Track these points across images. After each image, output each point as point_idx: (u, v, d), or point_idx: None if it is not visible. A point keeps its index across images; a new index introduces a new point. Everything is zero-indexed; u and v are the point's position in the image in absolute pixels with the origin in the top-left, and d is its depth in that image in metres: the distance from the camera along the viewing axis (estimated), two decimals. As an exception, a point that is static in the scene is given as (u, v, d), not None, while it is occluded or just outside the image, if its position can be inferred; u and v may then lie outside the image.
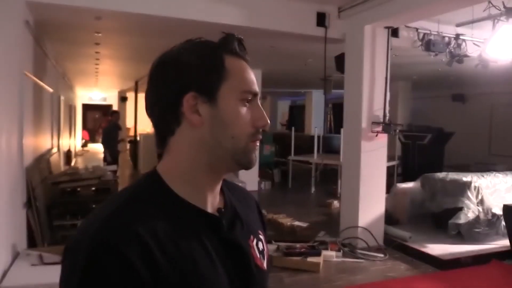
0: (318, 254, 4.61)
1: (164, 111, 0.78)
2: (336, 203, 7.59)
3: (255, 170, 9.48)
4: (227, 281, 0.76)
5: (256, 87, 0.81)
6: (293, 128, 10.55)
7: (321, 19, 5.30)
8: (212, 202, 0.82)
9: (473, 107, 11.82)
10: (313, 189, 9.19)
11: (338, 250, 4.98)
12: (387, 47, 5.25)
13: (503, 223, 5.24)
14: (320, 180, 9.88)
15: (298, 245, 4.82)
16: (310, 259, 4.52)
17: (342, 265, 4.67)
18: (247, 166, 0.80)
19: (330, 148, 10.35)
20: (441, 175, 5.86)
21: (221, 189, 0.87)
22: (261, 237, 0.90)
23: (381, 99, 5.26)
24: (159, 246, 0.69)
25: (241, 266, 0.80)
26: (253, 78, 0.81)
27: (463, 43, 5.77)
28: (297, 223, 6.03)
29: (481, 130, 11.34)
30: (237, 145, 0.77)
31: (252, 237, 0.86)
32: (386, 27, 5.19)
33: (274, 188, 9.92)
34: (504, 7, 4.30)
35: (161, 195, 0.76)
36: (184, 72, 0.77)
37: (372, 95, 5.24)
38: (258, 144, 0.80)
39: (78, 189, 5.11)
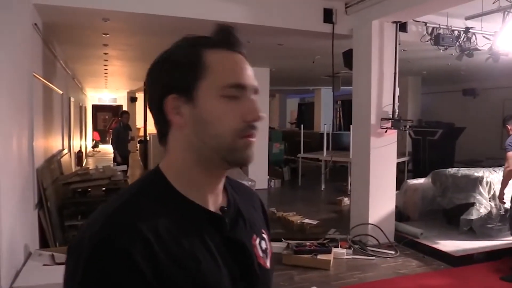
0: (329, 252, 4.60)
1: (155, 113, 0.78)
2: (346, 200, 7.56)
3: (264, 168, 9.50)
4: (230, 280, 0.76)
5: (247, 79, 0.76)
6: (302, 126, 10.52)
7: (328, 15, 5.27)
8: (214, 200, 0.81)
9: (484, 101, 11.67)
10: (323, 187, 9.16)
11: (349, 248, 4.96)
12: (396, 42, 5.21)
13: (516, 218, 5.18)
14: (330, 177, 9.85)
15: (308, 243, 4.80)
16: (320, 256, 4.50)
17: (353, 263, 4.65)
18: (240, 163, 0.77)
19: (339, 145, 10.30)
20: (452, 170, 5.79)
21: (225, 187, 0.86)
22: (265, 236, 0.89)
23: (390, 94, 5.22)
24: (162, 244, 0.68)
25: (244, 265, 0.79)
26: (243, 69, 0.77)
27: (473, 37, 5.68)
28: (307, 220, 6.02)
29: (492, 125, 11.17)
30: (222, 143, 0.74)
31: (255, 236, 0.85)
32: (394, 22, 5.15)
33: (284, 186, 9.91)
34: (515, -1, 4.24)
35: (164, 192, 0.76)
36: (166, 73, 0.76)
37: (381, 91, 5.20)
38: (252, 139, 0.76)
39: (89, 189, 5.16)
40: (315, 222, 5.96)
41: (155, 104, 0.77)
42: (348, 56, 5.64)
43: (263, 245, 0.87)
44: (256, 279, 0.81)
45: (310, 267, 4.40)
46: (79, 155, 11.02)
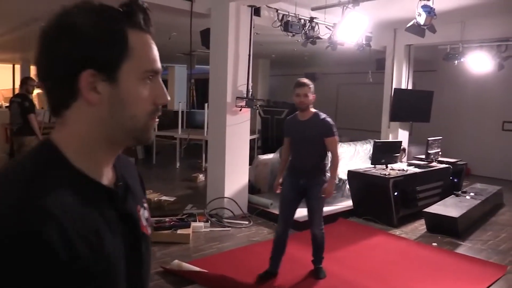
0: (188, 226, 4.73)
1: (57, 85, 0.74)
2: (201, 176, 7.77)
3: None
4: (123, 251, 0.78)
5: (159, 64, 0.79)
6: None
7: (187, -8, 5.26)
8: (107, 175, 0.81)
9: (322, 85, 13.03)
10: (178, 164, 9.22)
11: (206, 221, 5.16)
12: (250, 25, 5.48)
13: (347, 186, 6.04)
14: (184, 155, 9.95)
15: (167, 219, 4.85)
16: (180, 231, 4.61)
17: (211, 235, 4.87)
18: (146, 142, 0.82)
19: (193, 123, 10.44)
20: (297, 146, 6.40)
21: None
22: (145, 205, 0.93)
23: (245, 75, 5.50)
24: (72, 224, 0.67)
25: (133, 236, 0.83)
26: (157, 54, 0.79)
27: (317, 26, 6.32)
28: (164, 197, 6.04)
29: (329, 106, 12.62)
30: (137, 124, 0.77)
31: (139, 206, 0.89)
32: (249, 6, 5.40)
33: (138, 165, 9.65)
34: (351, -4, 4.85)
35: (62, 168, 0.73)
36: (82, 45, 0.71)
37: (236, 71, 5.44)
38: (157, 120, 0.81)
39: None
40: (172, 199, 6.02)
41: (60, 75, 0.72)
42: (205, 35, 5.73)
43: (145, 214, 0.91)
44: (142, 247, 0.85)
45: (170, 242, 4.47)
46: None
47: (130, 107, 0.75)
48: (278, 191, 3.85)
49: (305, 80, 3.67)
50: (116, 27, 0.73)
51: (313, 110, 3.69)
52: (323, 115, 3.64)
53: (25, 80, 6.86)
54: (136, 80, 0.75)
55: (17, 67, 15.24)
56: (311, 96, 3.62)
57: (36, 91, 15.05)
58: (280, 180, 3.86)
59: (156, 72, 0.78)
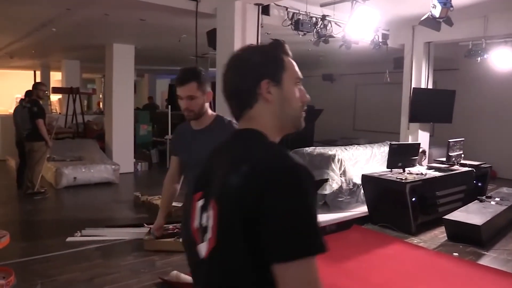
0: (192, 234, 4.53)
1: (246, 92, 1.10)
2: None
3: (130, 150, 9.07)
4: None
5: (301, 74, 1.16)
6: (169, 107, 10.25)
7: (191, -9, 5.10)
8: None
9: (340, 86, 12.75)
10: (192, 168, 9.06)
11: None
12: (258, 24, 5.28)
13: (362, 191, 5.75)
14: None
15: (171, 226, 4.68)
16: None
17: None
18: (300, 128, 1.16)
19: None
20: (309, 149, 6.16)
21: None
22: None
23: (253, 76, 5.29)
24: None
25: None
26: (297, 68, 1.16)
27: (329, 24, 6.06)
28: (173, 203, 5.86)
29: (346, 108, 12.31)
30: (296, 114, 1.13)
31: None
32: (256, 4, 5.20)
33: (152, 169, 9.60)
34: (361, -11, 4.59)
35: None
36: (260, 66, 1.10)
37: (244, 72, 5.23)
38: (304, 113, 1.16)
39: None
40: (180, 204, 5.84)
41: (246, 85, 1.10)
42: (212, 36, 5.56)
43: None
44: None
45: (173, 251, 4.29)
46: None
47: (291, 102, 1.12)
48: (157, 234, 2.71)
49: (189, 73, 2.26)
50: (278, 55, 1.13)
51: (211, 113, 2.35)
52: (226, 119, 2.29)
53: (36, 86, 6.85)
54: (292, 85, 1.12)
55: (38, 73, 15.46)
56: (203, 97, 2.27)
57: (57, 96, 15.29)
58: (161, 222, 2.60)
59: (300, 79, 1.15)
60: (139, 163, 9.35)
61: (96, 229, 5.03)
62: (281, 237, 0.88)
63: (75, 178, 7.47)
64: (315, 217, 0.91)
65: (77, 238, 4.77)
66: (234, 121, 2.07)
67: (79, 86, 12.57)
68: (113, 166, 8.01)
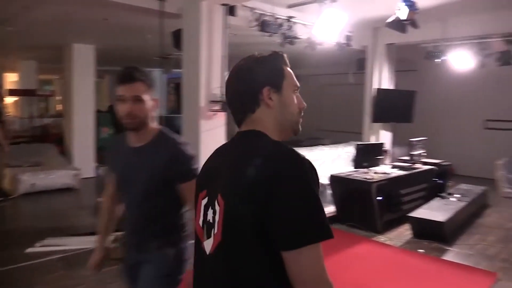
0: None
1: (249, 98, 1.19)
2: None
3: (90, 155, 8.81)
4: None
5: (298, 83, 1.26)
6: (132, 109, 9.99)
7: (156, -9, 4.97)
8: None
9: (305, 87, 12.78)
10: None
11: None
12: (224, 25, 5.22)
13: (329, 191, 5.81)
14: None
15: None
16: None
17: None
18: (298, 132, 1.26)
19: (173, 128, 10.08)
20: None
21: None
22: None
23: (219, 77, 5.23)
24: None
25: None
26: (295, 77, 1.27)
27: (294, 26, 6.08)
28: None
29: (312, 108, 12.41)
30: (294, 118, 1.23)
31: None
32: (222, 4, 5.14)
33: (115, 173, 9.33)
34: (328, -8, 4.62)
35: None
36: (262, 74, 1.20)
37: (210, 73, 5.16)
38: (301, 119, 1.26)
39: None
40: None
41: (250, 91, 1.19)
42: (177, 36, 5.46)
43: None
44: None
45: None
46: None
47: (290, 108, 1.21)
48: (98, 270, 2.17)
49: (136, 71, 1.86)
50: (278, 65, 1.23)
51: (155, 126, 1.93)
52: (173, 136, 1.94)
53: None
54: (290, 92, 1.22)
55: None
56: (150, 103, 1.88)
57: (13, 98, 14.61)
58: (101, 255, 2.17)
59: (298, 87, 1.25)
60: (101, 167, 9.06)
61: (57, 238, 4.82)
62: (293, 224, 0.96)
63: (33, 184, 7.14)
64: (322, 206, 1.00)
65: (37, 248, 4.55)
66: (177, 139, 1.88)
67: (35, 88, 12.08)
68: (73, 171, 7.72)
